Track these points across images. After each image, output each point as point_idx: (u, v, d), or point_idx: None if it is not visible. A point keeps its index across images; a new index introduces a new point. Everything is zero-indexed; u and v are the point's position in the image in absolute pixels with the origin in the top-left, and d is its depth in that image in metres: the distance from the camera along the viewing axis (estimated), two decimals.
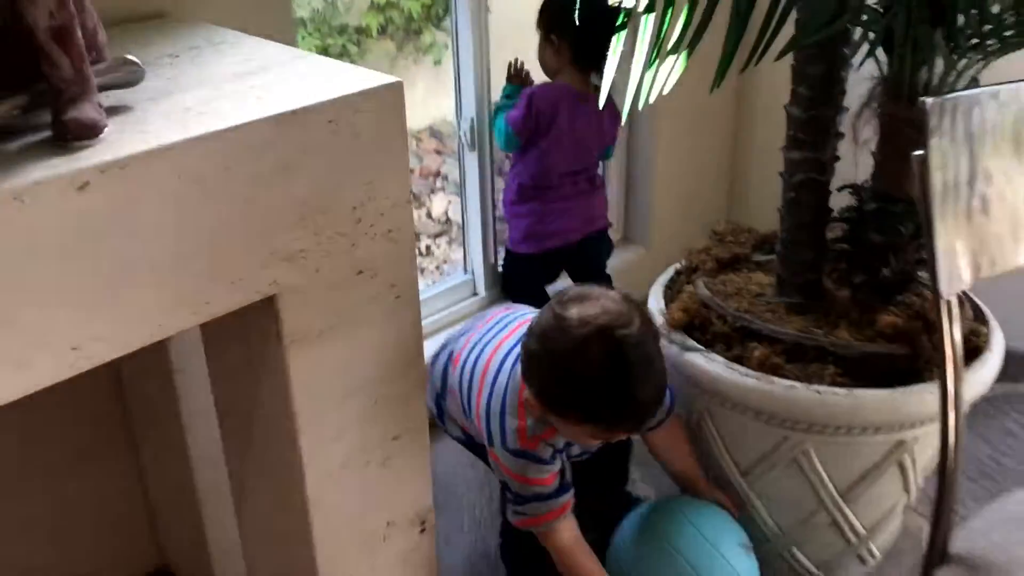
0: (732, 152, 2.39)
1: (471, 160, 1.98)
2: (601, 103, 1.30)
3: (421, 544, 1.29)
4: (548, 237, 1.91)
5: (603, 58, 1.78)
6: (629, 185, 2.30)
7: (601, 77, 1.84)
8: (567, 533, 1.33)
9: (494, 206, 2.05)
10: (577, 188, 1.90)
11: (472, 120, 1.92)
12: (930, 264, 0.85)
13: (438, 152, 3.57)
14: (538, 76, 1.93)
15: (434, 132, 3.63)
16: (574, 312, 1.19)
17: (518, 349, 1.30)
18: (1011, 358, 2.08)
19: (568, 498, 1.32)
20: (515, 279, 2.01)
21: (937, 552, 0.97)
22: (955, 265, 0.86)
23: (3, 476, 1.37)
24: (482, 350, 1.39)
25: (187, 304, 0.91)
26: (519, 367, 1.28)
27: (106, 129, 0.86)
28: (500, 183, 2.07)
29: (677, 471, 1.49)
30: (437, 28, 3.51)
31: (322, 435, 1.09)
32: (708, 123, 2.25)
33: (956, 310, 0.88)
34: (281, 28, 1.40)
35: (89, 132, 0.85)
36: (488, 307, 2.07)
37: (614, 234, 2.21)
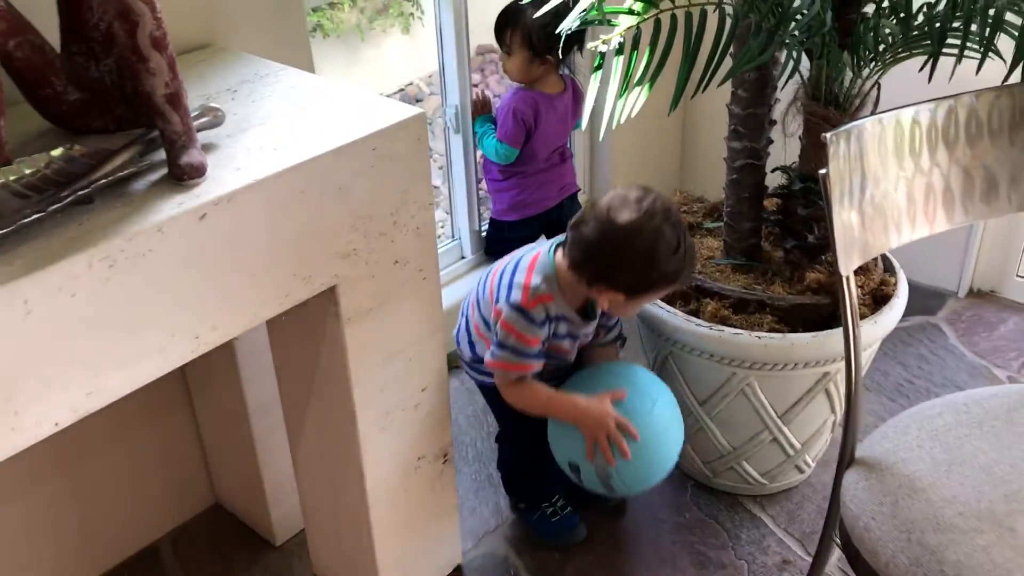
0: (682, 135, 2.70)
1: (456, 141, 2.24)
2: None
3: (444, 472, 1.59)
4: (529, 206, 2.19)
5: (571, 51, 2.06)
6: (593, 161, 2.59)
7: (569, 68, 2.11)
8: (525, 386, 1.52)
9: (477, 180, 2.32)
10: (551, 162, 2.18)
11: (456, 107, 2.18)
12: (832, 250, 1.15)
13: None
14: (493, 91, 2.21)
15: (404, 97, 3.85)
16: (631, 211, 1.37)
17: (524, 253, 1.54)
18: (927, 294, 2.44)
19: (537, 364, 1.51)
20: (499, 243, 2.29)
21: (846, 457, 1.28)
22: (850, 250, 1.16)
23: (86, 430, 1.63)
24: (491, 271, 1.61)
25: (275, 297, 1.18)
26: (528, 254, 1.52)
27: (208, 168, 1.13)
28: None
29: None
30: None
31: (370, 388, 1.38)
32: (663, 120, 2.54)
33: (853, 282, 1.18)
34: (301, 53, 1.64)
35: (199, 173, 1.10)
36: (473, 269, 2.37)
37: (581, 197, 2.51)
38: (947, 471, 1.20)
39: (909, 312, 2.33)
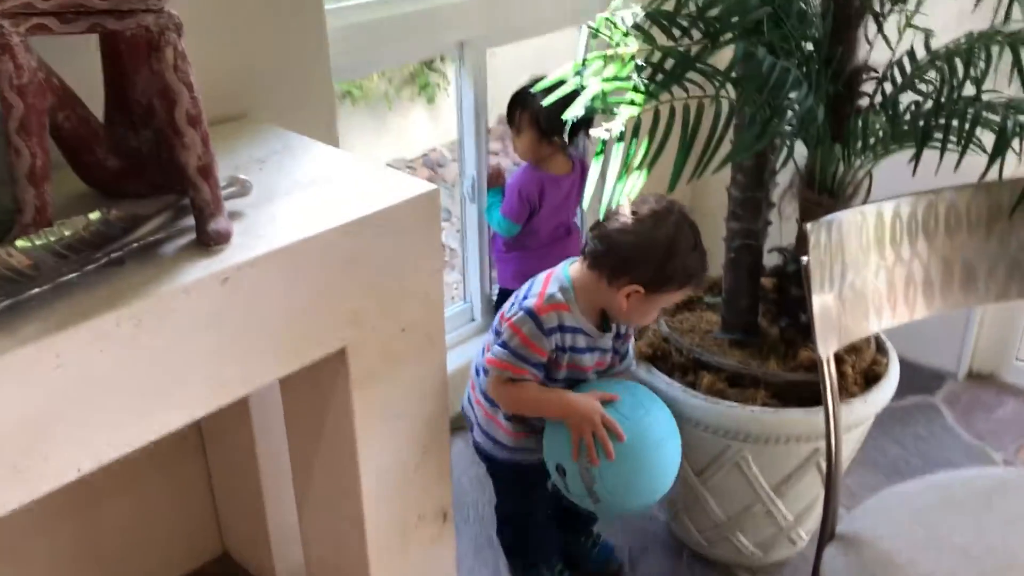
0: (688, 209, 2.78)
1: (471, 210, 2.33)
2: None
3: (444, 531, 1.64)
4: (532, 276, 2.27)
5: (578, 133, 2.16)
6: None
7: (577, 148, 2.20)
8: (512, 388, 1.55)
9: (490, 247, 2.41)
10: (555, 236, 2.26)
11: (472, 178, 2.27)
12: (812, 334, 1.21)
13: (431, 181, 3.92)
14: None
15: (427, 162, 3.98)
16: (653, 207, 1.47)
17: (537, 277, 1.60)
18: (926, 374, 2.48)
19: (534, 374, 1.53)
20: None
21: (827, 532, 1.33)
22: (829, 334, 1.23)
23: (99, 476, 1.70)
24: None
25: (289, 357, 1.26)
26: (543, 273, 1.59)
27: (233, 235, 1.21)
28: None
29: None
30: (430, 70, 3.86)
31: (374, 446, 1.44)
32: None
33: (832, 364, 1.24)
34: (327, 127, 1.74)
35: (225, 239, 1.19)
36: (482, 332, 2.44)
37: None
38: (924, 550, 1.25)
39: (908, 391, 2.39)
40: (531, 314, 1.51)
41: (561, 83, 1.63)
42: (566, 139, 2.11)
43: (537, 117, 2.10)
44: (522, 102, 2.13)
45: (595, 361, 1.60)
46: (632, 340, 1.71)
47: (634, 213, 1.46)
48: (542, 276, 1.58)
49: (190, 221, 1.22)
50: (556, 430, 1.56)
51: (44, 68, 1.15)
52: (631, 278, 1.48)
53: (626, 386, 1.59)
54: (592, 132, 1.38)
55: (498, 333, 1.58)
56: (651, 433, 1.53)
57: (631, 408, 1.53)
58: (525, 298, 1.55)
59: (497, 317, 1.63)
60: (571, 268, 1.56)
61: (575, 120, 1.89)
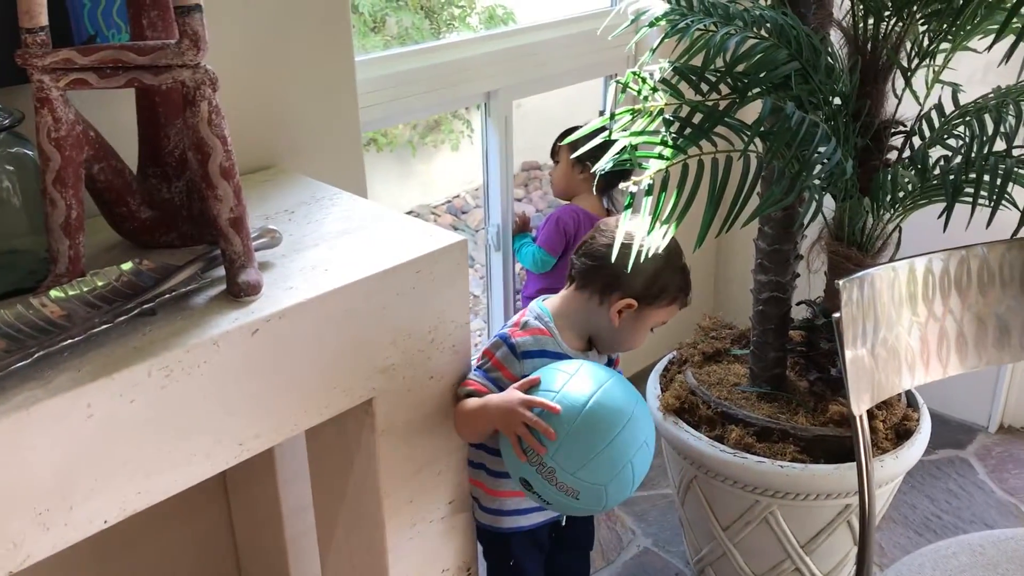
0: (716, 264, 2.79)
1: (496, 258, 2.34)
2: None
3: None
4: None
5: (615, 186, 2.18)
6: None
7: (611, 200, 2.23)
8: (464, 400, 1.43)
9: (515, 293, 2.41)
10: None
11: (498, 226, 2.28)
12: (845, 391, 1.20)
13: (454, 228, 3.94)
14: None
15: (450, 208, 4.00)
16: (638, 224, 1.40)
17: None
18: (957, 428, 2.45)
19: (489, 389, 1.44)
20: None
21: None
22: (862, 390, 1.21)
23: (119, 526, 1.69)
24: None
25: (316, 408, 1.25)
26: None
27: (263, 287, 1.22)
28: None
29: None
30: (454, 117, 3.90)
31: (400, 498, 1.43)
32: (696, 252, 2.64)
33: (866, 421, 1.22)
34: (355, 177, 1.76)
35: (255, 291, 1.19)
36: None
37: None
38: None
39: (939, 445, 2.36)
40: (504, 339, 1.49)
41: (604, 128, 1.64)
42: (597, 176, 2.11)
43: (575, 144, 2.11)
44: (565, 135, 2.14)
45: None
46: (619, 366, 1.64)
47: (623, 229, 1.41)
48: (517, 315, 1.58)
49: (221, 272, 1.23)
50: (503, 445, 1.44)
51: (81, 121, 1.17)
52: (623, 292, 1.46)
53: (576, 367, 1.43)
54: (621, 185, 1.38)
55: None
56: (581, 392, 1.36)
57: (550, 380, 1.40)
58: (501, 328, 1.55)
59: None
60: (547, 301, 1.55)
61: (609, 173, 1.92)
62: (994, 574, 1.28)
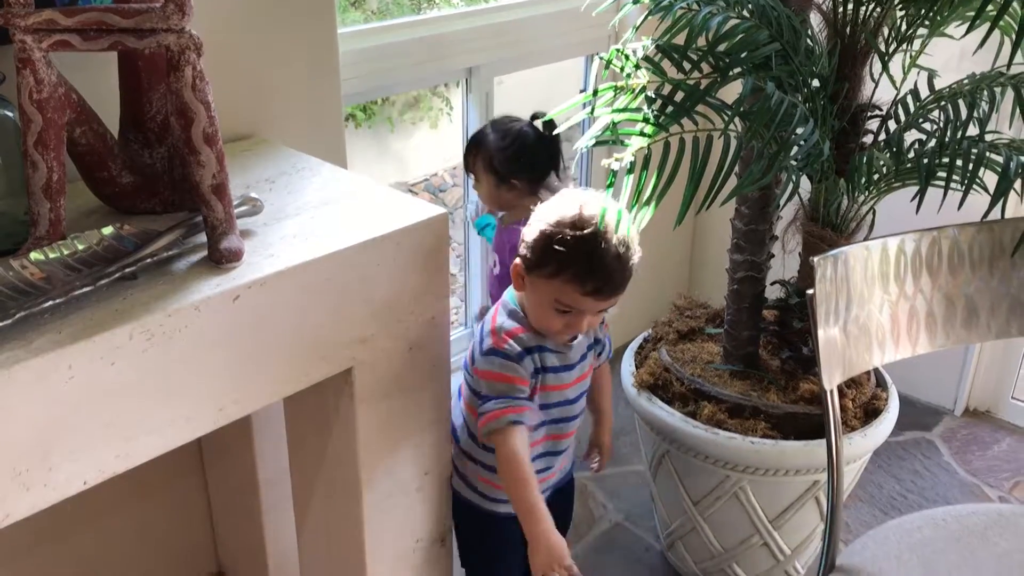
0: (693, 244, 2.82)
1: (474, 236, 2.35)
2: None
3: (441, 556, 1.64)
4: None
5: (548, 175, 2.04)
6: None
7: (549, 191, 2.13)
8: (519, 438, 1.37)
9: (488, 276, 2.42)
10: None
11: (477, 204, 2.29)
12: (817, 366, 1.23)
13: None
14: None
15: (428, 186, 4.00)
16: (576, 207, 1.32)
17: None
18: (924, 410, 2.50)
19: (529, 406, 1.40)
20: None
21: (827, 565, 1.34)
22: (833, 366, 1.24)
23: (96, 494, 1.69)
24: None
25: (295, 376, 1.26)
26: (488, 314, 1.47)
27: (244, 254, 1.22)
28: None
29: (595, 405, 1.62)
30: (434, 94, 3.90)
31: (376, 468, 1.44)
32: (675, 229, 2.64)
33: (836, 396, 1.25)
34: (336, 148, 1.76)
35: (236, 258, 1.19)
36: None
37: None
38: None
39: (905, 427, 2.40)
40: (493, 352, 1.41)
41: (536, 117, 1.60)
42: (530, 180, 1.90)
43: (491, 159, 1.89)
44: (475, 145, 1.93)
45: (574, 378, 1.48)
46: (608, 329, 1.57)
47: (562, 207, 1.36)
48: (489, 314, 1.48)
49: (202, 238, 1.23)
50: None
51: (64, 83, 1.16)
52: (521, 258, 1.39)
53: None
54: (603, 163, 1.39)
55: (476, 393, 1.45)
56: None
57: None
58: (481, 342, 1.45)
59: (465, 366, 1.50)
60: (515, 292, 1.46)
61: (540, 161, 1.86)
62: (956, 546, 1.31)
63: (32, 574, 1.64)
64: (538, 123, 1.90)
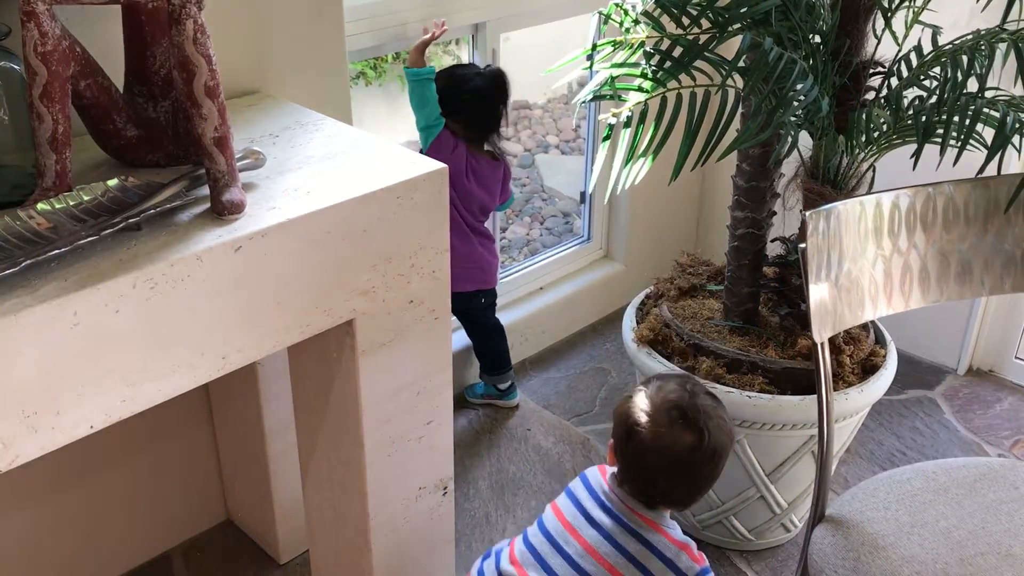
0: (700, 201, 2.83)
1: None
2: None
3: (443, 504, 1.68)
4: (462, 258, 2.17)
5: (491, 131, 2.10)
6: (611, 221, 2.71)
7: (491, 145, 2.15)
8: None
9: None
10: (476, 219, 2.18)
11: None
12: (808, 318, 1.24)
13: None
14: None
15: None
16: None
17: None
18: (927, 369, 2.51)
19: None
20: None
21: (817, 515, 1.36)
22: (824, 319, 1.25)
23: (108, 443, 1.74)
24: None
25: (297, 326, 1.29)
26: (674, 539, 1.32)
27: (246, 206, 1.24)
28: None
29: None
30: (444, 52, 3.88)
31: (378, 417, 1.48)
32: (681, 186, 2.64)
33: (827, 349, 1.27)
34: (340, 104, 1.77)
35: (238, 209, 1.22)
36: None
37: (599, 252, 2.65)
38: (909, 533, 1.28)
39: (908, 385, 2.42)
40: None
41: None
42: (461, 125, 2.08)
43: (468, 125, 2.09)
44: (448, 108, 2.07)
45: None
46: None
47: None
48: (661, 537, 1.31)
49: (205, 191, 1.26)
50: None
51: (68, 37, 1.18)
52: None
53: None
54: (600, 117, 1.40)
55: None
56: None
57: None
58: (690, 564, 1.31)
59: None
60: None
61: (480, 120, 2.01)
62: (944, 497, 1.34)
63: (45, 520, 1.69)
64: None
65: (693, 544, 1.31)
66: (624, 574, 1.26)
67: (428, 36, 1.99)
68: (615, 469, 1.33)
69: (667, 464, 1.26)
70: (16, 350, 1.01)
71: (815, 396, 1.66)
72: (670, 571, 1.27)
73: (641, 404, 1.28)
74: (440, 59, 3.95)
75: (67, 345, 1.04)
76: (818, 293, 1.24)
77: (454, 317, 2.27)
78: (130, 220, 1.15)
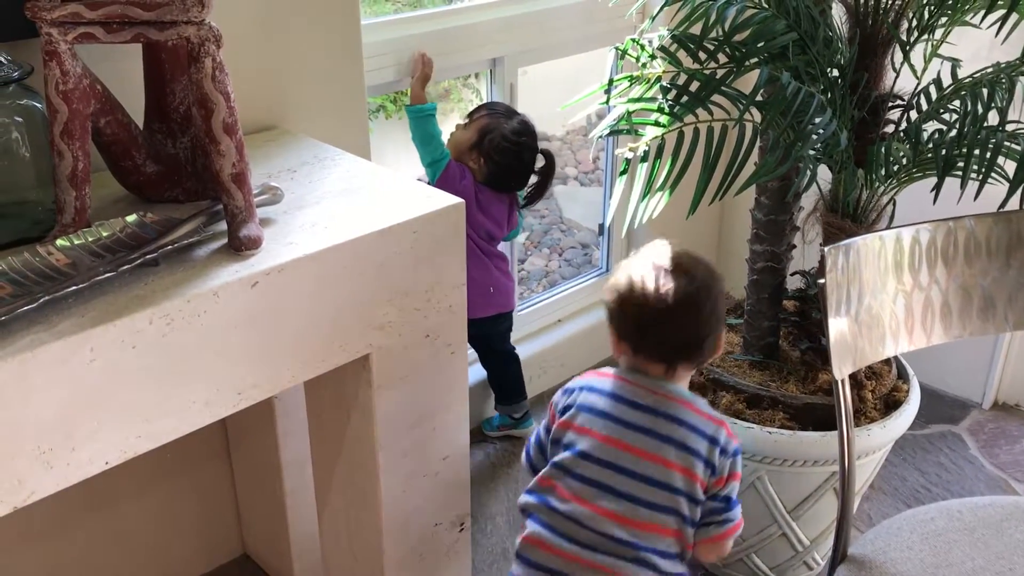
0: (719, 234, 2.82)
1: None
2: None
3: (460, 540, 1.66)
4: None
5: (505, 191, 2.11)
6: (631, 245, 2.70)
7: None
8: None
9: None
10: (487, 243, 2.17)
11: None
12: (828, 355, 1.23)
13: None
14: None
15: None
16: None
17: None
18: (951, 403, 2.47)
19: None
20: None
21: (839, 554, 1.34)
22: (844, 355, 1.24)
23: (126, 477, 1.74)
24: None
25: (313, 362, 1.29)
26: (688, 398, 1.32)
27: (264, 241, 1.25)
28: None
29: None
30: (464, 86, 3.91)
31: (395, 452, 1.47)
32: (699, 218, 2.63)
33: (847, 386, 1.25)
34: (359, 139, 1.78)
35: (255, 245, 1.22)
36: None
37: None
38: (934, 574, 1.25)
39: (932, 420, 2.38)
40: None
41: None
42: (489, 171, 2.07)
43: (488, 131, 2.05)
44: (491, 107, 2.12)
45: None
46: None
47: None
48: (699, 416, 1.30)
49: (223, 226, 1.26)
50: None
51: (89, 75, 1.19)
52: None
53: None
54: (617, 151, 1.40)
55: (716, 496, 1.29)
56: None
57: None
58: (728, 440, 1.30)
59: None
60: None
61: (514, 175, 2.06)
62: (970, 538, 1.31)
63: (59, 554, 1.69)
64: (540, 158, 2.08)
65: (727, 421, 1.32)
66: (680, 464, 1.25)
67: (423, 72, 2.00)
68: (620, 367, 1.35)
69: (670, 312, 1.27)
70: (33, 386, 1.01)
71: (836, 432, 1.65)
72: (715, 448, 1.27)
73: (626, 274, 1.31)
74: (460, 91, 3.99)
75: (83, 381, 1.05)
76: (837, 329, 1.23)
77: (470, 348, 2.26)
78: (148, 256, 1.15)
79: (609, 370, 1.36)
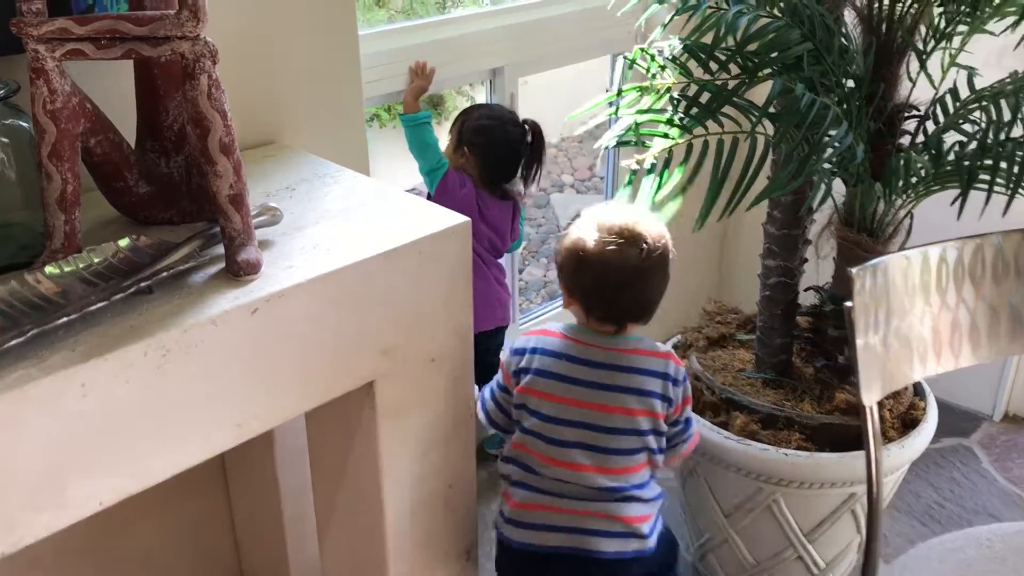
0: (723, 247, 2.77)
1: None
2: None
3: (467, 570, 1.61)
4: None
5: (503, 180, 2.05)
6: None
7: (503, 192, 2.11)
8: None
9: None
10: (490, 253, 2.14)
11: None
12: (856, 381, 1.18)
13: None
14: None
15: None
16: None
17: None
18: (962, 416, 2.43)
19: None
20: None
21: None
22: (873, 381, 1.19)
23: (119, 505, 1.68)
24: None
25: (316, 390, 1.23)
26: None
27: (263, 265, 1.19)
28: None
29: None
30: (458, 94, 3.86)
31: (399, 481, 1.41)
32: (704, 231, 2.59)
33: (876, 412, 1.20)
34: (358, 154, 1.73)
35: (254, 270, 1.17)
36: None
37: None
38: None
39: (943, 434, 2.34)
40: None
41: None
42: (478, 162, 2.04)
43: (462, 123, 2.04)
44: (465, 114, 2.07)
45: None
46: None
47: None
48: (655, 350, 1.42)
49: (219, 250, 1.20)
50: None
51: (78, 93, 1.14)
52: None
53: None
54: (623, 163, 1.35)
55: (676, 422, 1.43)
56: None
57: None
58: (677, 369, 1.41)
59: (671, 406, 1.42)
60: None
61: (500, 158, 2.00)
62: (1002, 568, 1.26)
63: None
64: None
65: (671, 349, 1.45)
66: (641, 408, 1.36)
67: (421, 83, 1.97)
68: (568, 325, 1.44)
69: (628, 282, 1.36)
70: (21, 425, 0.95)
71: (855, 453, 1.60)
72: (668, 382, 1.38)
73: (585, 237, 1.36)
74: (454, 100, 3.94)
75: (75, 419, 0.99)
76: (866, 353, 1.18)
77: None
78: (142, 283, 1.09)
79: (556, 327, 1.45)
